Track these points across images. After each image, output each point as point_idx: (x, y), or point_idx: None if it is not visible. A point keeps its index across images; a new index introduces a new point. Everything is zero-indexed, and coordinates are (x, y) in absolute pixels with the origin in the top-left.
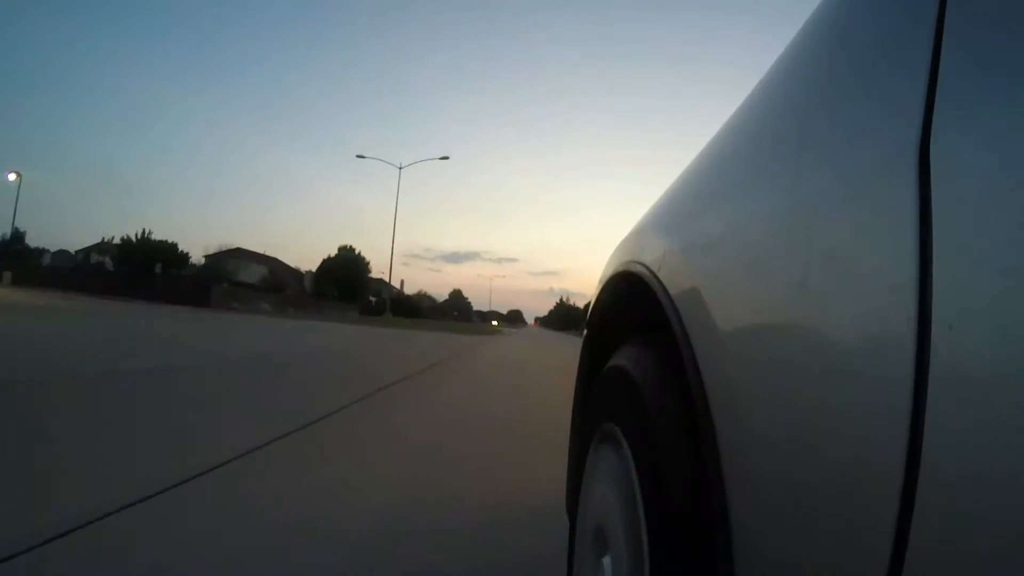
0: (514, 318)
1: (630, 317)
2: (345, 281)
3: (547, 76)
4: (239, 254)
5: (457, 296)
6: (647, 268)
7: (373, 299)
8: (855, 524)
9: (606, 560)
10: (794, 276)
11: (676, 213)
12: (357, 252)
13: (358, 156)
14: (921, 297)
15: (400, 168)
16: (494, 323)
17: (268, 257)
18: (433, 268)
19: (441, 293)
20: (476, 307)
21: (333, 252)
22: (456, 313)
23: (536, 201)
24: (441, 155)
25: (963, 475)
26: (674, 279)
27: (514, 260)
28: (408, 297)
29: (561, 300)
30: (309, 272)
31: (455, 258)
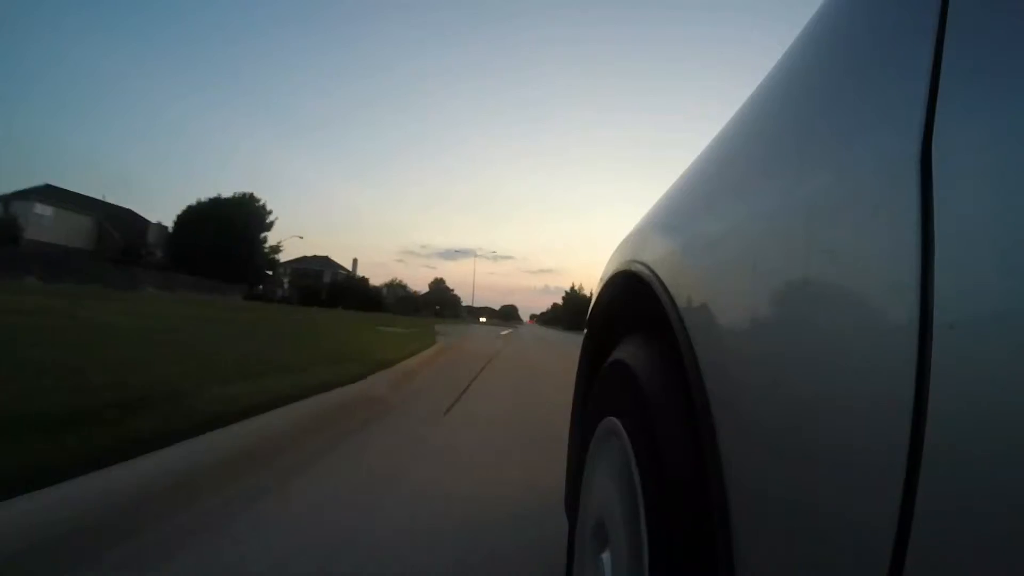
0: (508, 314)
1: (631, 315)
2: (224, 240)
3: (547, 75)
4: (49, 194)
5: (440, 288)
6: (648, 267)
7: (285, 280)
8: (856, 522)
9: (605, 556)
10: (794, 276)
11: (677, 213)
12: (261, 203)
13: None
14: (922, 297)
15: None
16: (482, 319)
17: (105, 203)
18: (429, 265)
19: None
20: (466, 302)
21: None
22: (438, 308)
23: (534, 199)
24: None
25: (964, 475)
26: (675, 278)
27: (510, 258)
28: (365, 283)
29: (573, 287)
30: (159, 225)
31: (450, 255)
